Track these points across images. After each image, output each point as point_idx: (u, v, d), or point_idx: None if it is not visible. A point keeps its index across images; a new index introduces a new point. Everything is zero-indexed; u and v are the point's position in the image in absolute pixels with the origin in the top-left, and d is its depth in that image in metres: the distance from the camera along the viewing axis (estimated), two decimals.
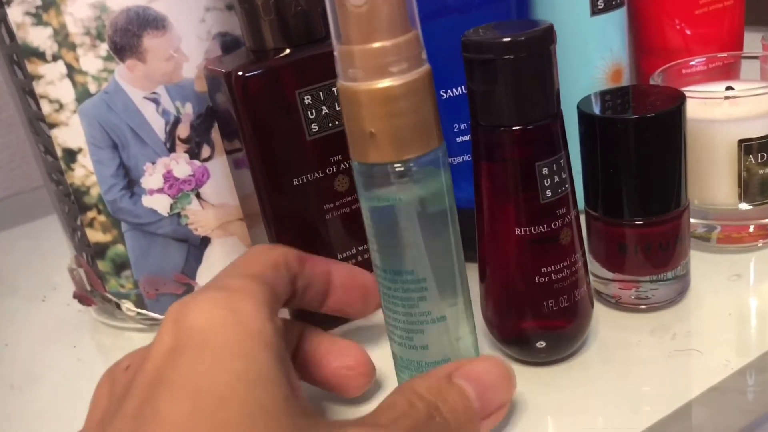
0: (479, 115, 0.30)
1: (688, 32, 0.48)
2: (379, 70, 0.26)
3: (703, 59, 0.41)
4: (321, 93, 0.35)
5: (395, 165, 0.27)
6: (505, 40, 0.28)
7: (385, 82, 0.26)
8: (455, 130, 0.40)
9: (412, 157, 0.27)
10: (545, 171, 0.29)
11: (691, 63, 0.42)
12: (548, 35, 0.28)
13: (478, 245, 0.33)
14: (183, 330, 0.23)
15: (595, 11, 0.42)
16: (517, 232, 0.30)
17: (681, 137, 0.33)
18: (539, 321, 0.32)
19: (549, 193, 0.30)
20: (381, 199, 0.28)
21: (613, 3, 0.42)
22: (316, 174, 0.36)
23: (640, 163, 0.33)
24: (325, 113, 0.36)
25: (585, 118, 0.34)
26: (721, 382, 0.30)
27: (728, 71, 0.44)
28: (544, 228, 0.30)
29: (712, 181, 0.38)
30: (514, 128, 0.29)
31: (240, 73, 0.34)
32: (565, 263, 0.31)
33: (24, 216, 0.65)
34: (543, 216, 0.30)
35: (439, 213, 0.29)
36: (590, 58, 0.43)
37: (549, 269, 0.31)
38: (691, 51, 0.49)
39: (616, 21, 0.43)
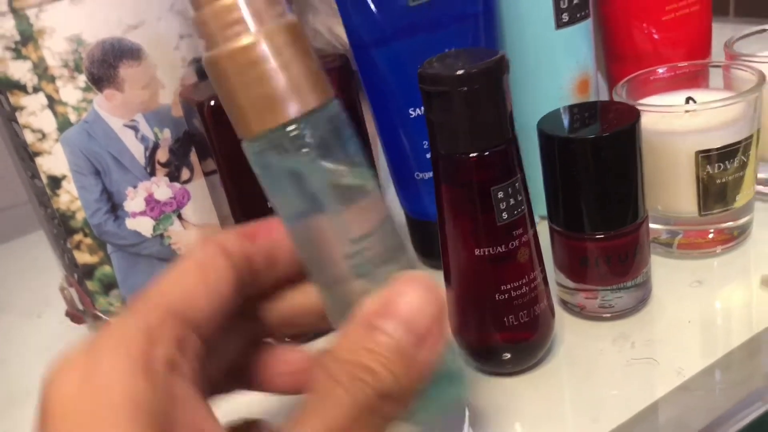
0: (437, 143, 0.31)
1: (656, 37, 0.49)
2: (235, 28, 0.22)
3: (665, 69, 0.42)
4: None
5: (288, 128, 0.23)
6: (459, 73, 0.29)
7: (245, 41, 0.22)
8: (425, 146, 0.41)
9: (301, 114, 0.23)
10: (501, 195, 0.31)
11: (657, 71, 0.43)
12: (500, 66, 0.30)
13: (442, 260, 0.34)
14: (43, 403, 0.20)
15: (560, 24, 0.43)
16: (477, 252, 0.32)
17: (636, 154, 0.34)
18: (502, 334, 0.33)
19: (505, 215, 0.31)
20: (285, 174, 0.23)
21: (578, 16, 0.43)
22: None
23: (597, 180, 0.34)
24: None
25: (543, 138, 0.35)
26: (673, 390, 0.32)
27: (695, 77, 0.45)
28: (501, 248, 0.31)
29: (674, 189, 0.39)
30: (470, 155, 0.30)
31: (212, 102, 0.35)
32: (524, 280, 0.32)
33: (21, 229, 0.67)
34: (500, 236, 0.31)
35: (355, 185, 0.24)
36: (557, 69, 0.44)
37: (508, 287, 0.32)
38: (660, 55, 0.50)
39: (581, 33, 0.44)
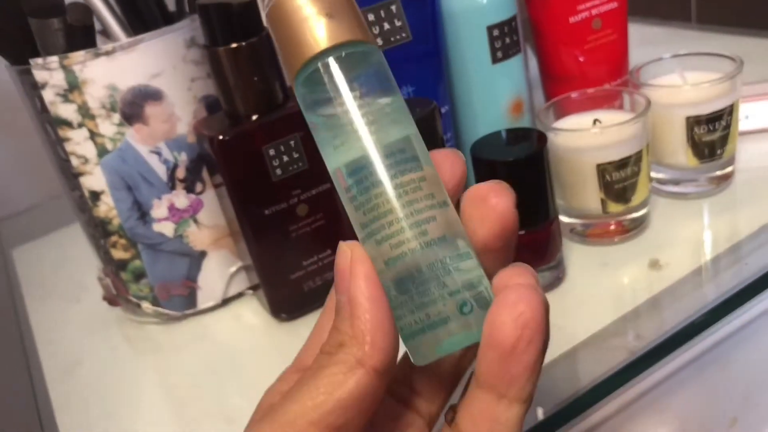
0: None
1: (581, 60, 0.60)
2: None
3: (577, 94, 0.53)
4: (282, 146, 0.47)
5: (322, 59, 0.23)
6: None
7: None
8: None
9: (333, 45, 0.23)
10: None
11: (571, 96, 0.53)
12: (432, 114, 0.40)
13: None
14: None
15: (495, 60, 0.53)
16: None
17: (543, 171, 0.45)
18: None
19: None
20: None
21: (510, 52, 0.53)
22: (282, 205, 0.48)
23: (515, 192, 0.45)
24: (286, 160, 0.48)
25: (473, 159, 0.45)
26: (578, 345, 0.43)
27: (611, 96, 0.56)
28: None
29: (583, 192, 0.50)
30: None
31: (220, 137, 0.46)
32: None
33: (54, 223, 0.77)
34: None
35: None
36: (495, 96, 0.54)
37: None
38: (586, 75, 0.60)
39: (514, 65, 0.54)
